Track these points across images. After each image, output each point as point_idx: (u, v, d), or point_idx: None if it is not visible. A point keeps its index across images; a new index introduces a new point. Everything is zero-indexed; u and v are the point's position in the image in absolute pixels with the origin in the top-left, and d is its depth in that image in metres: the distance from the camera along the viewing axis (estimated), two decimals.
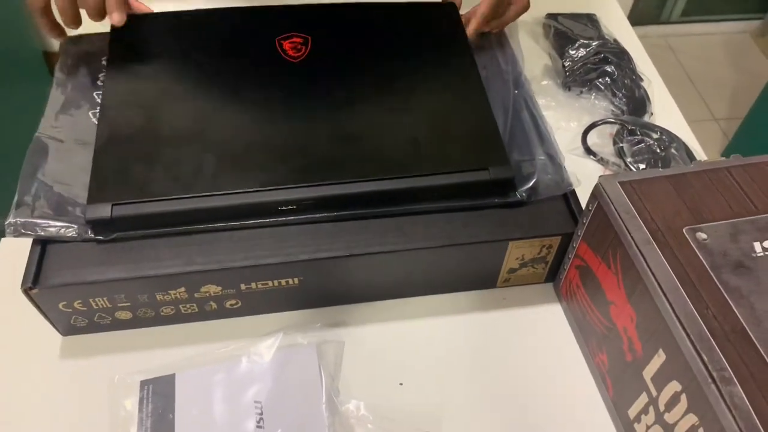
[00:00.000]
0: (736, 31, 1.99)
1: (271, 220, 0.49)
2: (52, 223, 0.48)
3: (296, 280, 0.49)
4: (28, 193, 0.49)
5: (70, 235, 0.47)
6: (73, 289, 0.47)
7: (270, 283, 0.49)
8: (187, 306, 0.50)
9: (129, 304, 0.49)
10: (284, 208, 0.49)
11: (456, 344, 0.52)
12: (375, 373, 0.50)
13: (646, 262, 0.40)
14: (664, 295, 0.38)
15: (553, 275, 0.54)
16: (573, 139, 0.64)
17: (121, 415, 0.47)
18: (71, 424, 0.47)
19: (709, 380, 0.35)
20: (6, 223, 0.48)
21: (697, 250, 0.40)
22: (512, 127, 0.56)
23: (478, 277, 0.53)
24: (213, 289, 0.49)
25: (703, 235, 0.41)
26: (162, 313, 0.50)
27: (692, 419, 0.37)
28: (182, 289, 0.48)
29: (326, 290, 0.52)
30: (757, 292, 0.38)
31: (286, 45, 0.56)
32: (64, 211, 0.48)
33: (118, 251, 0.48)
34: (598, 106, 0.66)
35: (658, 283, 0.39)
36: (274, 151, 0.50)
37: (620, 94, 0.65)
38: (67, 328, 0.50)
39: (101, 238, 0.48)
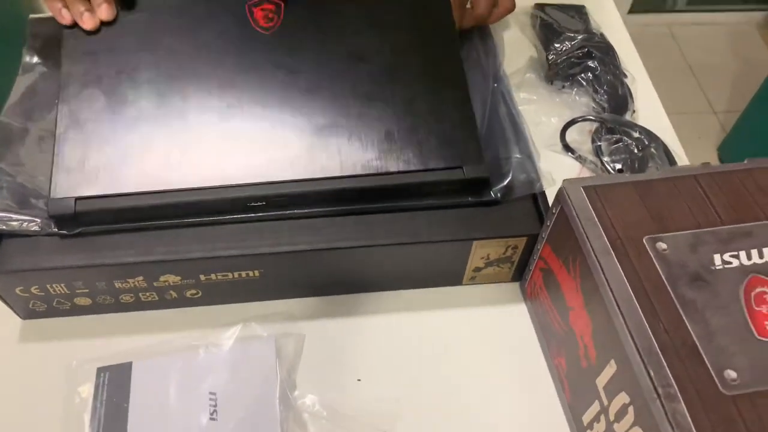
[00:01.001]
0: (741, 21, 1.96)
1: (239, 216, 0.48)
2: (14, 216, 0.47)
3: (257, 273, 0.49)
4: None
5: (33, 229, 0.47)
6: (29, 275, 0.46)
7: (230, 275, 0.49)
8: (147, 294, 0.50)
9: (87, 290, 0.48)
10: (253, 204, 0.48)
11: (418, 341, 0.51)
12: (333, 369, 0.50)
13: (603, 271, 0.39)
14: (617, 305, 0.38)
15: (519, 274, 0.54)
16: (552, 135, 0.63)
17: (75, 401, 0.47)
18: (25, 407, 0.47)
19: (655, 396, 0.34)
20: None
21: (655, 261, 0.39)
22: (489, 122, 0.54)
23: (442, 274, 0.52)
24: (172, 278, 0.48)
25: (663, 246, 0.40)
26: (122, 301, 0.50)
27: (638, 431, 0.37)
28: (140, 277, 0.48)
29: (288, 283, 0.51)
30: (713, 306, 0.37)
31: (258, 12, 0.52)
32: (27, 204, 0.48)
33: (79, 242, 0.47)
34: (579, 102, 0.65)
35: (613, 294, 0.38)
36: (241, 143, 0.48)
37: (602, 91, 0.64)
38: (26, 312, 0.50)
39: (65, 232, 0.47)
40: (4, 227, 0.46)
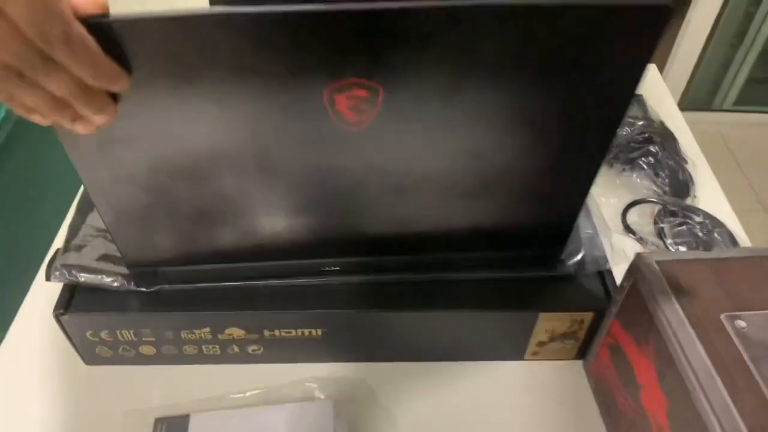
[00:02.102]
0: None
1: (314, 279, 0.49)
2: (96, 271, 0.48)
3: (320, 332, 0.49)
4: (74, 239, 0.50)
5: (114, 285, 0.48)
6: (101, 318, 0.47)
7: (293, 332, 0.49)
8: (210, 347, 0.50)
9: (153, 339, 0.49)
10: (327, 269, 0.49)
11: (475, 415, 0.50)
12: (387, 427, 0.48)
13: (681, 346, 0.38)
14: (698, 383, 0.36)
15: (583, 353, 0.53)
16: (612, 216, 0.64)
17: None
18: None
19: None
20: (51, 266, 0.48)
21: (735, 339, 0.38)
22: None
23: (505, 346, 0.52)
24: (237, 332, 0.49)
25: (743, 324, 0.39)
26: (185, 352, 0.51)
27: None
28: (207, 329, 0.48)
29: (349, 346, 0.51)
30: None
31: (341, 101, 0.35)
32: (109, 261, 0.49)
33: (154, 296, 0.48)
34: (639, 184, 0.65)
35: (692, 370, 0.37)
36: (315, 230, 0.46)
37: (663, 175, 0.64)
38: (92, 357, 0.51)
39: (143, 289, 0.48)
40: (85, 281, 0.48)
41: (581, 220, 0.52)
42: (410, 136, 0.39)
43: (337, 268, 0.49)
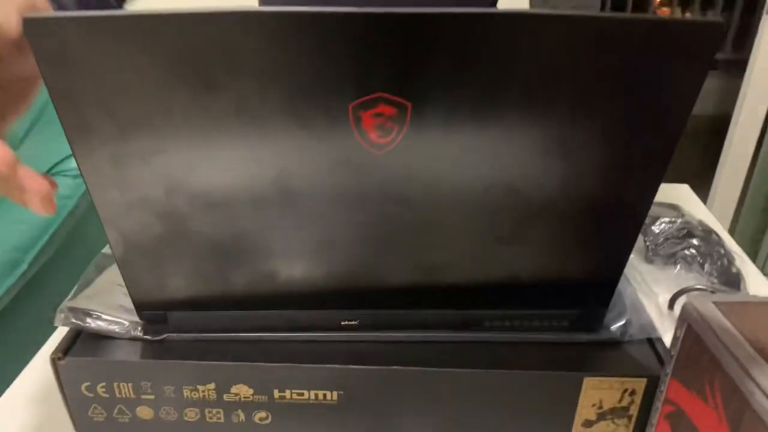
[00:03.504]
0: None
1: (332, 334, 0.45)
2: (103, 316, 0.46)
3: (335, 395, 0.44)
4: (86, 287, 0.49)
5: (119, 332, 0.45)
6: (100, 366, 0.43)
7: (306, 394, 0.44)
8: (213, 412, 0.45)
9: (153, 397, 0.44)
10: (346, 323, 0.46)
11: None
12: None
13: (755, 381, 0.33)
14: None
15: None
16: (658, 308, 0.59)
17: None
18: None
19: None
20: (58, 308, 0.47)
21: None
22: None
23: (547, 426, 0.45)
24: (244, 391, 0.44)
25: None
26: (185, 418, 0.45)
27: None
28: (212, 385, 0.44)
29: (368, 418, 0.45)
30: None
31: (367, 120, 0.33)
32: (118, 309, 0.47)
33: (159, 345, 0.45)
34: (686, 276, 0.61)
35: None
36: (335, 273, 0.44)
37: (709, 265, 0.60)
38: (83, 423, 0.46)
39: (149, 338, 0.45)
40: (92, 326, 0.45)
41: (622, 286, 0.49)
42: (440, 163, 0.37)
43: (357, 321, 0.45)
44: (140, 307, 0.44)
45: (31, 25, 0.29)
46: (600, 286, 0.43)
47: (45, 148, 1.33)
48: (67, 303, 0.46)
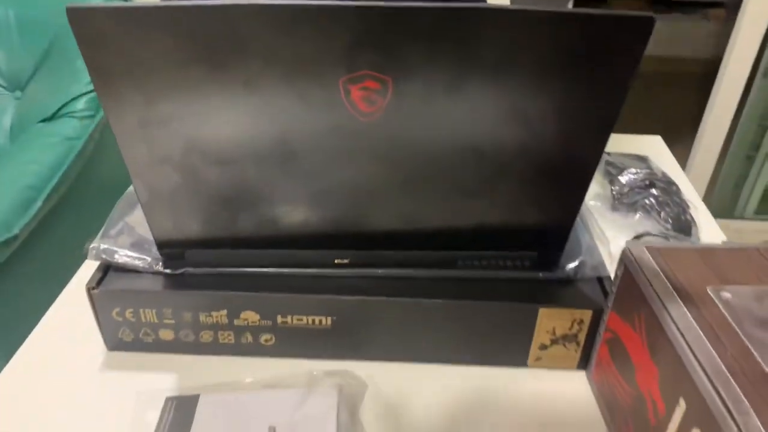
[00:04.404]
0: None
1: (327, 270, 0.53)
2: (129, 253, 0.53)
3: (329, 321, 0.52)
4: (113, 228, 0.55)
5: (141, 265, 0.53)
6: (127, 295, 0.51)
7: (304, 319, 0.52)
8: (225, 334, 0.53)
9: (173, 321, 0.52)
10: (339, 261, 0.53)
11: (478, 419, 0.50)
12: (391, 424, 0.49)
13: (669, 314, 0.40)
14: (685, 341, 0.38)
15: (585, 362, 0.54)
16: (617, 252, 0.66)
17: (140, 424, 0.48)
18: (96, 427, 0.49)
19: (726, 414, 0.33)
20: (89, 246, 0.54)
21: (720, 306, 0.40)
22: None
23: (507, 347, 0.53)
24: (252, 316, 0.52)
25: (728, 295, 0.41)
26: (201, 340, 0.53)
27: None
28: (224, 311, 0.51)
29: (357, 340, 0.53)
30: None
31: (355, 92, 0.39)
32: (140, 248, 0.54)
33: (177, 279, 0.52)
34: (644, 223, 0.68)
35: (680, 332, 0.39)
36: (330, 221, 0.51)
37: (665, 214, 0.67)
38: (114, 342, 0.54)
39: (170, 271, 0.53)
40: (118, 260, 0.52)
41: (580, 232, 0.56)
42: (417, 129, 0.43)
43: (348, 260, 0.52)
44: (161, 245, 0.51)
45: (73, 14, 0.35)
46: (555, 231, 0.50)
47: (51, 91, 1.37)
48: (97, 241, 0.53)
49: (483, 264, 0.52)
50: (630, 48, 0.38)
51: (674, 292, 0.41)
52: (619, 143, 0.90)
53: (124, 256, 0.53)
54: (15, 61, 1.41)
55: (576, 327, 0.51)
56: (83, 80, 1.29)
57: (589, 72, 0.39)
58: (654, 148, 0.88)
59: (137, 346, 0.54)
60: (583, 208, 0.60)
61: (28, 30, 1.41)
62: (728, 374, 0.35)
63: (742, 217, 1.98)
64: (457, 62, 0.39)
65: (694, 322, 0.39)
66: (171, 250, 0.51)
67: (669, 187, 0.72)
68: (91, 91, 1.28)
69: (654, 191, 0.70)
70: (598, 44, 0.38)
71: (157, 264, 0.52)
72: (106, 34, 0.36)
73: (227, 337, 0.53)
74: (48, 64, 1.39)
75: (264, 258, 0.52)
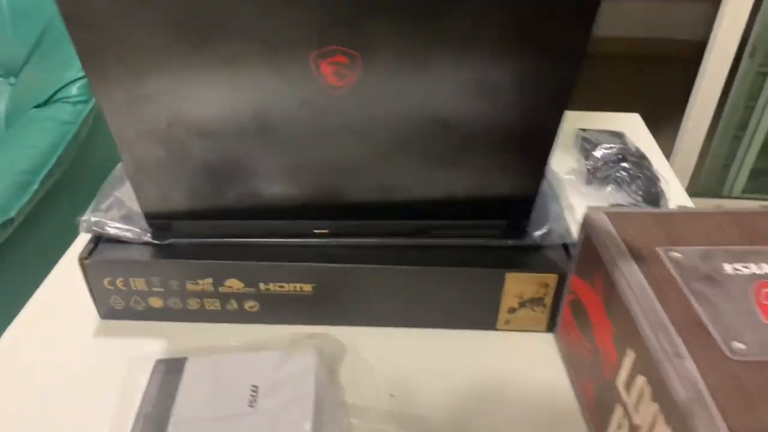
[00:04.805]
0: None
1: (307, 240, 0.55)
2: (118, 225, 0.56)
3: (309, 287, 0.54)
4: (103, 202, 0.58)
5: (131, 236, 0.55)
6: (117, 265, 0.54)
7: (286, 286, 0.54)
8: (211, 301, 0.56)
9: (162, 290, 0.55)
10: (318, 231, 0.56)
11: (450, 380, 0.53)
12: (369, 383, 0.52)
13: (621, 272, 0.43)
14: (634, 296, 0.41)
15: (553, 324, 0.57)
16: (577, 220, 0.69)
17: (131, 386, 0.51)
18: (88, 389, 0.52)
19: (664, 359, 0.36)
20: (81, 219, 0.57)
21: (668, 264, 0.43)
22: None
23: (478, 311, 0.56)
24: (236, 284, 0.54)
25: (677, 254, 0.44)
26: (188, 307, 0.56)
27: (653, 408, 0.38)
28: (209, 279, 0.54)
29: (336, 305, 0.56)
30: (722, 297, 0.40)
31: (325, 67, 0.42)
32: (129, 220, 0.57)
33: (164, 249, 0.55)
34: (615, 196, 0.71)
35: (630, 288, 0.42)
36: (308, 192, 0.53)
37: (635, 186, 0.70)
38: (107, 310, 0.57)
39: (157, 242, 0.56)
40: (109, 231, 0.55)
41: (549, 201, 0.58)
42: (386, 102, 0.46)
43: (327, 230, 0.55)
44: (149, 217, 0.54)
45: None
46: (521, 200, 0.53)
47: (45, 76, 1.39)
48: (88, 214, 0.56)
49: (454, 233, 0.55)
50: (581, 16, 0.40)
51: (627, 253, 0.44)
52: (599, 120, 0.92)
53: (114, 228, 0.55)
54: (8, 47, 1.42)
55: (542, 291, 0.54)
56: (76, 66, 1.31)
57: (545, 41, 0.42)
58: (631, 125, 0.91)
59: (128, 314, 0.57)
60: (553, 178, 0.63)
61: (21, 17, 1.43)
62: (668, 323, 0.38)
63: (730, 196, 2.01)
64: (422, 37, 0.41)
65: (643, 278, 0.42)
66: (158, 221, 0.54)
67: (641, 161, 0.74)
68: (84, 77, 1.30)
69: (626, 165, 0.72)
70: (552, 13, 0.40)
71: (146, 235, 0.55)
72: (91, 11, 0.39)
73: (213, 304, 0.56)
74: (41, 50, 1.41)
75: (247, 228, 0.55)
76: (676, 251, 0.44)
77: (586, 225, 0.49)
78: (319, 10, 0.40)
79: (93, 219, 0.55)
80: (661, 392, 0.37)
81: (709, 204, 1.99)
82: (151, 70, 0.43)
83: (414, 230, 0.55)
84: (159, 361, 0.53)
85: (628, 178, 0.71)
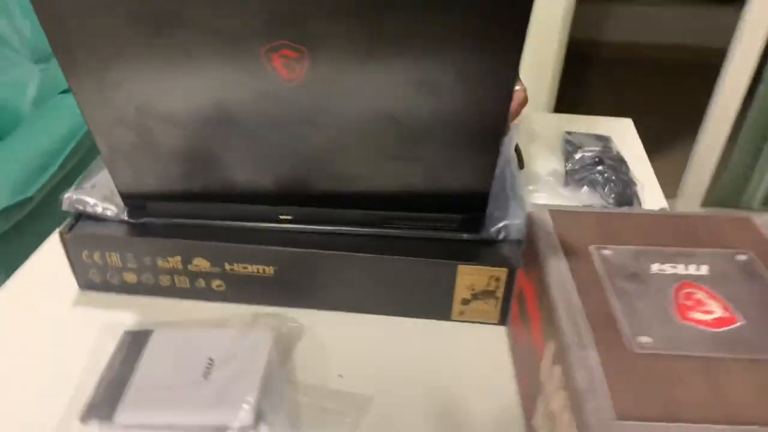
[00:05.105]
0: None
1: (272, 225, 0.58)
2: (98, 203, 0.60)
3: (271, 270, 0.57)
4: (87, 182, 0.62)
5: (109, 215, 0.59)
6: (94, 240, 0.57)
7: (249, 268, 0.57)
8: (181, 279, 0.59)
9: (135, 266, 0.59)
10: (283, 217, 0.58)
11: (402, 366, 0.55)
12: (320, 363, 0.55)
13: (549, 264, 0.45)
14: (558, 290, 0.43)
15: (505, 317, 0.58)
16: None
17: (99, 353, 0.55)
18: (60, 355, 0.55)
19: (572, 350, 0.38)
20: (64, 197, 0.60)
21: (597, 261, 0.45)
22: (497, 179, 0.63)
23: (432, 300, 0.58)
24: (203, 263, 0.58)
25: (608, 252, 0.45)
26: (160, 283, 0.60)
27: (563, 396, 0.39)
28: (178, 257, 0.57)
29: (297, 288, 0.59)
30: (643, 295, 0.42)
31: (276, 60, 0.45)
32: (110, 199, 0.60)
33: (139, 228, 0.59)
34: (588, 198, 0.72)
35: (556, 283, 0.43)
36: (272, 178, 0.55)
37: (608, 189, 0.71)
38: (85, 281, 0.61)
39: (133, 221, 0.59)
40: (89, 210, 0.59)
41: (511, 197, 0.60)
42: (337, 96, 0.48)
43: (292, 217, 0.58)
44: (124, 197, 0.58)
45: None
46: (476, 196, 0.55)
47: None
48: (71, 192, 0.60)
49: (412, 225, 0.57)
50: (516, 14, 0.42)
51: (559, 249, 0.46)
52: (594, 123, 0.93)
53: (94, 206, 0.59)
54: (41, 35, 1.49)
55: (494, 284, 0.56)
56: None
57: (482, 40, 0.44)
58: (622, 129, 0.91)
59: (105, 286, 0.61)
60: (518, 175, 0.64)
61: None
62: (582, 317, 0.40)
63: (749, 207, 1.97)
64: (365, 35, 0.44)
65: (568, 273, 0.44)
66: (133, 201, 0.58)
67: (618, 165, 0.75)
68: None
69: (601, 168, 0.73)
70: (488, 12, 0.42)
71: (123, 213, 0.59)
72: (59, 4, 0.42)
73: (183, 282, 0.59)
74: None
75: (216, 211, 0.58)
76: (608, 249, 0.46)
77: (529, 221, 0.50)
78: (265, 6, 0.42)
79: (75, 197, 0.59)
80: (568, 381, 0.38)
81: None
82: (116, 59, 0.46)
83: (374, 220, 0.57)
84: (126, 332, 0.56)
85: (602, 181, 0.72)
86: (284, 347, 0.56)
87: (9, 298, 0.62)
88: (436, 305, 0.58)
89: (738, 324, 0.39)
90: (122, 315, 0.59)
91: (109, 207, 0.59)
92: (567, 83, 1.83)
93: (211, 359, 0.53)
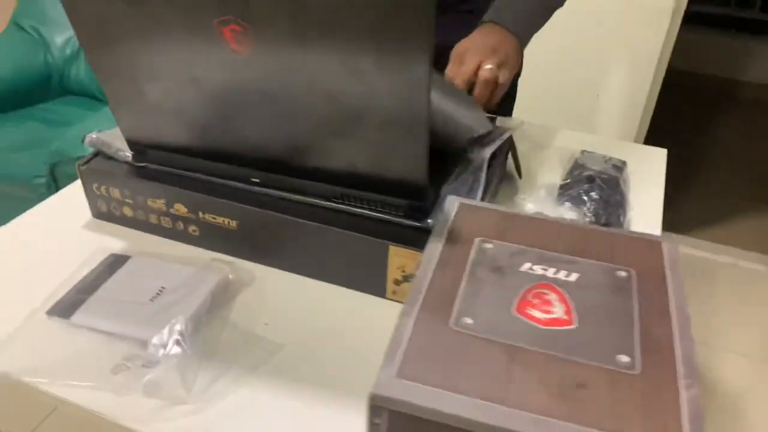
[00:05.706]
0: None
1: (243, 185, 0.66)
2: (113, 144, 0.71)
3: (234, 223, 0.65)
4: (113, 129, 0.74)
5: (120, 156, 0.70)
6: (101, 174, 0.68)
7: (217, 219, 0.65)
8: (166, 219, 0.68)
9: (132, 202, 0.69)
10: (254, 180, 0.66)
11: (333, 334, 0.60)
12: (253, 311, 0.61)
13: (428, 246, 0.48)
14: (422, 267, 0.46)
15: None
16: None
17: (84, 268, 0.65)
18: (49, 265, 0.66)
19: (402, 315, 0.42)
20: (88, 135, 0.72)
21: (474, 251, 0.47)
22: (458, 174, 0.66)
23: (368, 275, 0.62)
24: (182, 209, 0.66)
25: (489, 245, 0.48)
26: (150, 221, 0.69)
27: None
28: (162, 201, 0.67)
29: (255, 244, 0.66)
30: (494, 285, 0.44)
31: (227, 32, 0.52)
32: (124, 144, 0.71)
33: (140, 171, 0.69)
34: (568, 212, 0.72)
35: (425, 259, 0.47)
36: (241, 142, 0.62)
37: (588, 207, 0.71)
38: (95, 210, 0.72)
39: (135, 164, 0.69)
40: (104, 149, 0.70)
41: (471, 193, 0.63)
42: (280, 71, 0.54)
43: (259, 180, 0.65)
44: (129, 142, 0.68)
45: None
46: (412, 185, 0.59)
47: None
48: (95, 133, 0.71)
49: (363, 205, 0.62)
50: (420, 13, 0.46)
51: (445, 235, 0.49)
52: (630, 150, 0.91)
53: (110, 146, 0.70)
54: None
55: None
56: None
57: (393, 31, 0.48)
58: (650, 158, 0.89)
59: (110, 216, 0.71)
60: (483, 182, 0.66)
61: None
62: (423, 291, 0.43)
63: None
64: (297, 16, 0.50)
65: (437, 256, 0.47)
66: (135, 146, 0.68)
67: (612, 188, 0.74)
68: None
69: (586, 186, 0.73)
70: (397, 7, 0.46)
71: (129, 158, 0.69)
72: None
73: (167, 222, 0.68)
74: None
75: (200, 165, 0.66)
76: (490, 243, 0.48)
77: (444, 212, 0.53)
78: None
79: (95, 137, 0.70)
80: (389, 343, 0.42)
81: None
82: (110, 23, 0.56)
83: (330, 194, 0.63)
84: (111, 254, 0.66)
85: (585, 199, 0.72)
86: (230, 291, 0.63)
87: (31, 219, 0.74)
88: (373, 282, 0.63)
89: (569, 327, 0.40)
90: (116, 242, 0.69)
91: (122, 149, 0.69)
92: (666, 116, 1.75)
93: (162, 287, 0.61)
